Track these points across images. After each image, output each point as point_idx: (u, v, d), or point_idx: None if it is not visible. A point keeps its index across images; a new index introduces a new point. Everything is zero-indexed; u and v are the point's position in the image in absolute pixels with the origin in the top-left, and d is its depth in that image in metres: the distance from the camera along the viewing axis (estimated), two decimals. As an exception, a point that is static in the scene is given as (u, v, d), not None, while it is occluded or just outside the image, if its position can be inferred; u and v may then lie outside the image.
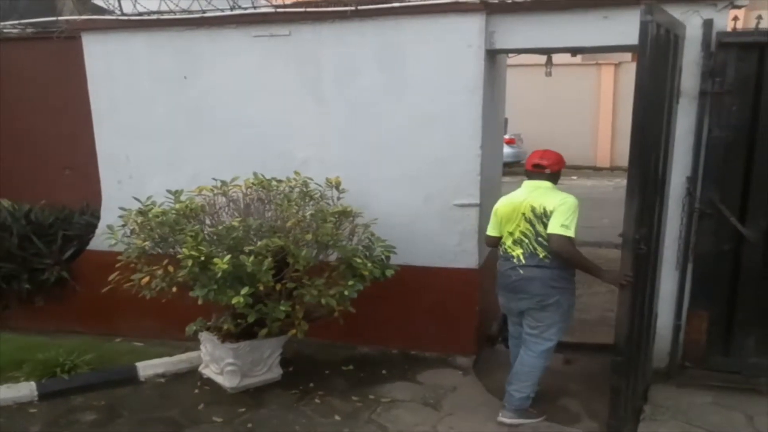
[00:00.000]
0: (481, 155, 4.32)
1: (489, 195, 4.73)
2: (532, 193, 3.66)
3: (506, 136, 15.19)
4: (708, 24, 3.77)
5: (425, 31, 4.23)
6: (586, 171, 16.64)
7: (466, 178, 4.37)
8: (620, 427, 3.65)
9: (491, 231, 3.88)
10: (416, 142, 4.40)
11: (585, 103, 17.50)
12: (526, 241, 3.65)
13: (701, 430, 3.68)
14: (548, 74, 4.76)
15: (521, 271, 3.65)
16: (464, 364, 4.61)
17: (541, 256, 3.61)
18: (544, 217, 3.56)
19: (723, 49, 3.77)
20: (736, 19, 3.80)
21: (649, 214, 3.65)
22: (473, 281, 4.54)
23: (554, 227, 3.49)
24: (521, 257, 3.66)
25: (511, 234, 3.72)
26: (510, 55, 4.72)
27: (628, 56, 3.42)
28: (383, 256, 4.11)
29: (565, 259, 3.54)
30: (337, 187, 4.21)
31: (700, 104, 3.88)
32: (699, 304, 4.14)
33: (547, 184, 3.68)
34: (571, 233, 3.48)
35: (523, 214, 3.65)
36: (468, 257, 4.50)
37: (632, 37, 3.24)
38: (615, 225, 3.44)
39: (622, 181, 4.90)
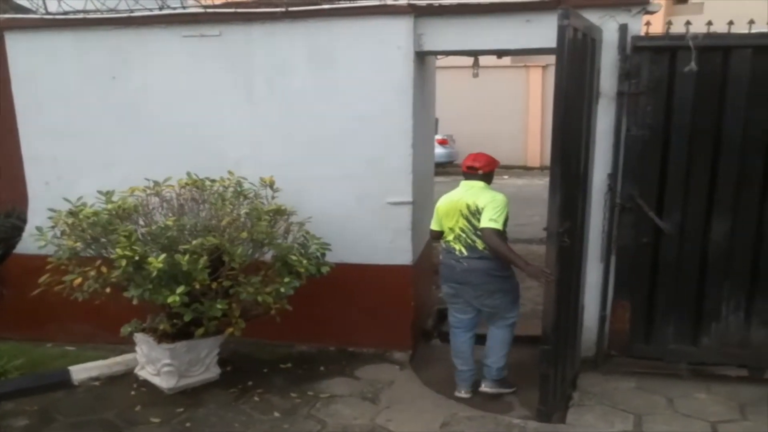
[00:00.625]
0: (413, 154, 4.54)
1: (422, 193, 4.98)
2: (467, 192, 4.11)
3: (439, 137, 15.75)
4: (623, 28, 4.10)
5: (355, 33, 4.44)
6: (517, 170, 17.27)
7: (398, 177, 4.58)
8: (550, 413, 3.91)
9: (434, 226, 4.30)
10: (349, 141, 4.60)
11: (515, 105, 18.35)
12: (464, 236, 4.08)
13: (625, 413, 3.99)
14: (475, 75, 5.03)
15: (464, 264, 4.09)
16: (401, 359, 4.82)
17: (480, 248, 4.04)
18: (477, 213, 4.00)
19: (638, 53, 4.11)
20: (648, 24, 4.14)
21: (572, 209, 3.95)
22: (407, 278, 4.76)
23: (484, 221, 3.93)
24: (463, 250, 4.09)
25: (451, 230, 4.15)
26: (439, 56, 4.97)
27: (555, 59, 3.69)
28: (318, 254, 4.28)
29: (492, 249, 3.95)
30: (271, 186, 4.35)
31: (618, 104, 4.21)
32: (622, 294, 4.48)
33: (480, 183, 4.13)
34: (498, 226, 3.92)
35: (460, 211, 4.08)
36: (402, 254, 4.72)
37: (553, 40, 3.50)
38: (545, 222, 3.73)
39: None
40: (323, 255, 4.29)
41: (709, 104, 4.10)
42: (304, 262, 4.05)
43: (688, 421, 3.91)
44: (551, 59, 3.61)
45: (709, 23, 3.94)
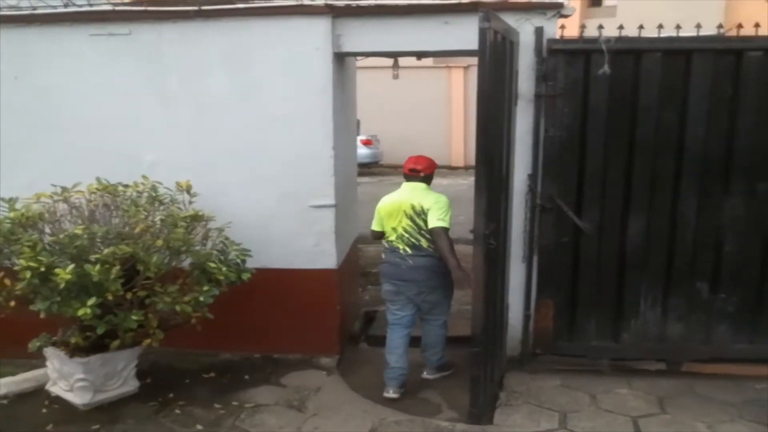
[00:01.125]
0: (335, 156, 4.60)
1: (345, 195, 5.04)
2: (411, 194, 4.36)
3: (363, 137, 16.15)
4: (539, 31, 4.27)
5: (272, 33, 4.46)
6: (441, 170, 17.23)
7: (320, 179, 4.63)
8: (481, 415, 4.01)
9: (375, 226, 4.53)
10: (269, 143, 4.61)
11: (438, 105, 18.96)
12: (407, 235, 4.33)
13: (551, 411, 4.15)
14: (395, 77, 5.12)
15: (410, 261, 4.33)
16: (328, 365, 4.86)
17: (425, 246, 4.31)
18: (422, 214, 4.27)
19: (553, 55, 4.29)
20: (563, 27, 4.32)
21: (497, 210, 4.08)
22: (332, 281, 4.82)
23: (432, 221, 4.21)
24: (407, 249, 4.33)
25: (394, 230, 4.37)
26: (358, 57, 5.04)
27: (476, 59, 3.80)
28: (238, 260, 4.28)
29: (437, 247, 4.23)
30: (188, 191, 4.31)
31: (536, 106, 4.37)
32: (545, 293, 4.65)
33: (422, 185, 4.40)
34: (446, 224, 4.23)
35: (405, 211, 4.32)
36: (326, 258, 4.76)
37: (472, 42, 3.61)
38: (470, 222, 3.83)
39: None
40: (243, 261, 4.29)
41: (622, 106, 4.32)
42: (224, 269, 4.03)
43: (611, 416, 4.09)
44: (472, 60, 3.72)
45: (621, 27, 4.14)
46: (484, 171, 3.71)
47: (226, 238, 4.28)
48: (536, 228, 4.55)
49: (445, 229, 4.20)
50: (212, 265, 4.00)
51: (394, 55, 4.93)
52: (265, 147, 4.63)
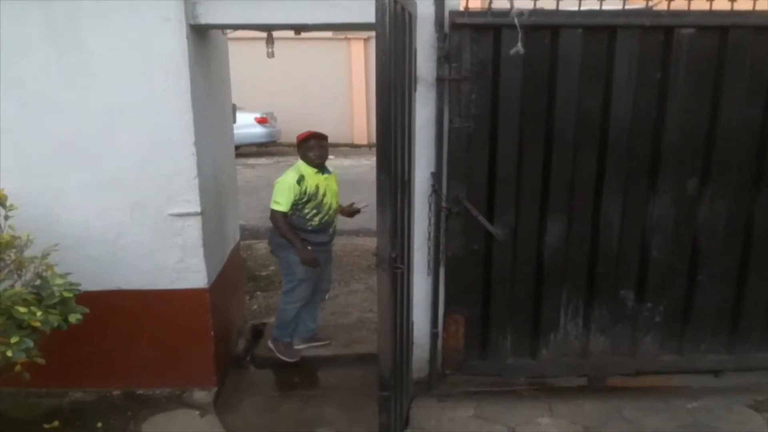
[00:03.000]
0: (197, 153, 3.79)
1: (217, 199, 4.31)
2: None
3: (258, 115, 15.07)
4: (440, 2, 3.55)
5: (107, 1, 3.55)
6: (343, 149, 16.66)
7: (180, 182, 3.82)
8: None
9: None
10: (113, 139, 3.75)
11: (338, 79, 17.88)
12: None
13: (465, 452, 3.57)
14: (270, 55, 4.29)
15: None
16: (203, 400, 4.12)
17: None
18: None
19: (457, 31, 3.57)
20: (468, -4, 3.62)
21: (400, 220, 3.41)
22: (203, 302, 4.05)
23: (271, 202, 4.43)
24: None
25: None
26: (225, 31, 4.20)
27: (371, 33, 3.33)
28: (64, 296, 3.33)
29: (275, 227, 4.47)
30: (2, 205, 3.36)
31: (439, 92, 3.69)
32: (454, 308, 4.08)
33: (298, 161, 4.53)
34: (279, 207, 4.38)
35: None
36: (194, 275, 3.99)
37: (360, 14, 2.92)
38: (374, 209, 3.11)
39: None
40: (72, 297, 3.35)
41: (538, 92, 3.67)
42: (39, 313, 3.06)
43: (534, 457, 3.56)
44: (372, 31, 2.93)
45: (536, -4, 3.47)
46: (387, 180, 2.97)
47: (47, 269, 3.34)
48: (442, 235, 3.90)
49: (280, 212, 4.36)
50: (21, 309, 3.02)
51: (267, 28, 4.08)
52: (109, 143, 3.75)
